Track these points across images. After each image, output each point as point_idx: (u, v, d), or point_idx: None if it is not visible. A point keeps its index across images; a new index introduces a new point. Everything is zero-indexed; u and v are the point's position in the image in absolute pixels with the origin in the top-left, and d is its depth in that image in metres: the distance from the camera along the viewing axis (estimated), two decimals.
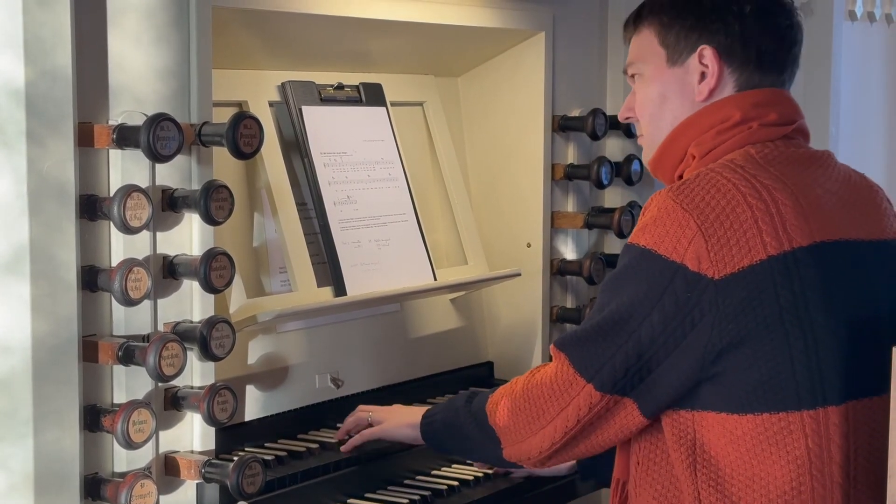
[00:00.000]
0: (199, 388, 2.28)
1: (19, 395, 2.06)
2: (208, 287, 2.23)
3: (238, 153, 2.24)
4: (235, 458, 2.26)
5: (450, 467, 2.86)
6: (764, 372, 2.21)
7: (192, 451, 2.31)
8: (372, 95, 3.06)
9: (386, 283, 2.92)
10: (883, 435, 2.09)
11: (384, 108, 3.08)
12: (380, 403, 2.80)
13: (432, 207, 3.26)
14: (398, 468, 2.78)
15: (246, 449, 2.66)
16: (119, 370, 2.19)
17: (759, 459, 2.23)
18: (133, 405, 2.14)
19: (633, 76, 2.49)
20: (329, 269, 2.85)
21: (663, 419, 2.30)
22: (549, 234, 3.31)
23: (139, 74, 2.20)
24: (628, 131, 3.36)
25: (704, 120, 2.38)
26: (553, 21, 3.27)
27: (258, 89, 2.82)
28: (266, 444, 2.71)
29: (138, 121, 2.13)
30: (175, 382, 2.25)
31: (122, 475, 2.17)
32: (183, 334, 2.23)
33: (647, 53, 2.44)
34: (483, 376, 3.31)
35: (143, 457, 2.22)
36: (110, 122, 2.17)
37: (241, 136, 2.23)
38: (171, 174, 2.24)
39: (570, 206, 3.36)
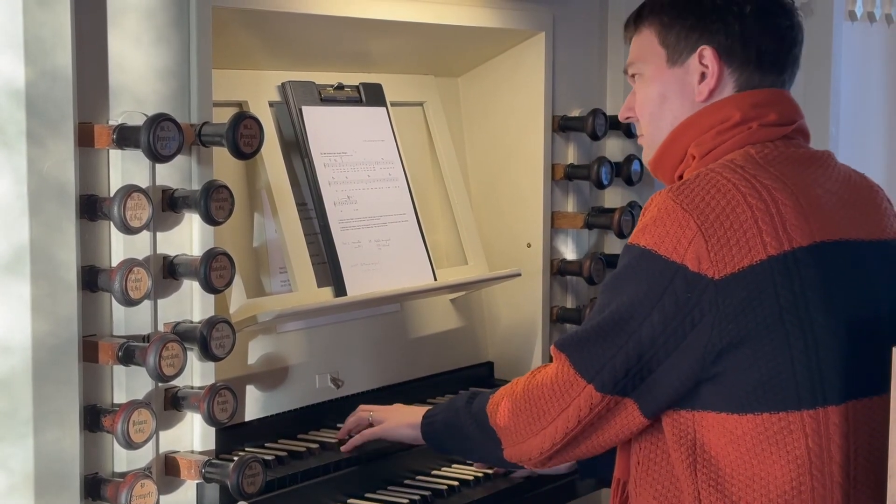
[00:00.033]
0: (200, 388, 2.28)
1: (19, 395, 2.06)
2: (208, 287, 2.23)
3: (238, 153, 2.24)
4: (235, 459, 2.26)
5: (450, 467, 2.86)
6: (764, 372, 2.21)
7: (192, 452, 2.31)
8: (372, 95, 3.06)
9: (386, 283, 2.92)
10: (883, 435, 2.09)
11: (384, 109, 3.08)
12: (380, 403, 2.80)
13: (432, 207, 3.26)
14: (398, 468, 2.78)
15: (246, 449, 2.66)
16: (119, 370, 2.19)
17: (759, 459, 2.23)
18: (133, 405, 2.14)
19: (633, 76, 2.49)
20: (329, 269, 2.85)
21: (664, 419, 2.30)
22: (549, 234, 3.31)
23: (139, 74, 2.20)
24: (628, 131, 3.36)
25: (704, 120, 2.38)
26: (553, 21, 3.27)
27: (258, 89, 2.82)
28: (266, 444, 2.71)
29: (138, 121, 2.13)
30: (175, 382, 2.25)
31: (123, 475, 2.17)
32: (183, 334, 2.23)
33: (648, 53, 2.44)
34: (483, 376, 3.31)
35: (144, 457, 2.22)
36: (110, 123, 2.17)
37: (242, 136, 2.23)
38: (171, 174, 2.24)
39: (570, 206, 3.36)
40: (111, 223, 2.15)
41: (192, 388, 2.29)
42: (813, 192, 2.31)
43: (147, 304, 2.20)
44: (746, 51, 2.38)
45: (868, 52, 4.77)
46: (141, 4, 2.19)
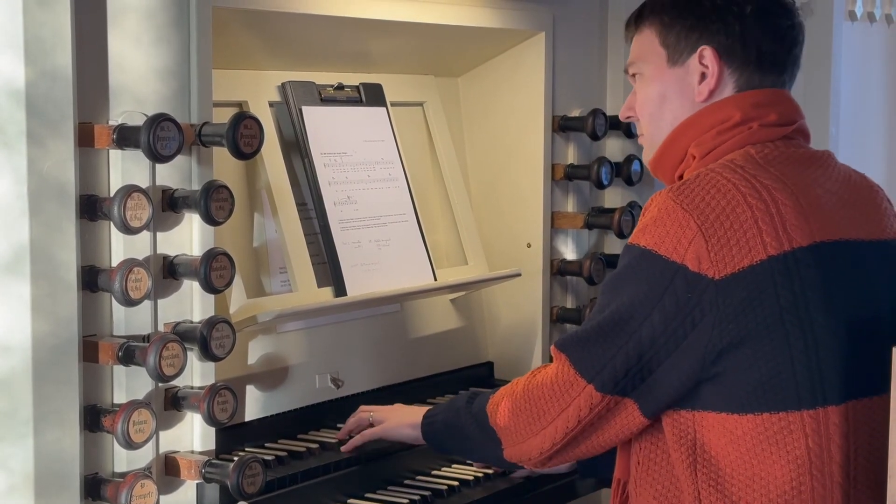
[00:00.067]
0: (200, 388, 2.28)
1: (19, 395, 2.06)
2: (208, 287, 2.23)
3: (238, 153, 2.24)
4: (236, 459, 2.26)
5: (450, 467, 2.85)
6: (764, 372, 2.21)
7: (192, 452, 2.31)
8: (372, 95, 3.06)
9: (386, 283, 2.92)
10: (883, 435, 2.09)
11: (384, 109, 3.08)
12: (380, 404, 2.80)
13: (432, 207, 3.26)
14: (398, 468, 2.78)
15: (246, 449, 2.66)
16: (119, 370, 2.19)
17: (759, 459, 2.23)
18: (133, 405, 2.14)
19: (633, 75, 2.49)
20: (329, 269, 2.85)
21: (664, 419, 2.30)
22: (549, 234, 3.31)
23: (139, 75, 2.20)
24: (628, 131, 3.36)
25: (705, 120, 2.38)
26: (553, 21, 3.27)
27: (258, 89, 2.82)
28: (266, 445, 2.71)
29: (138, 121, 2.13)
30: (175, 382, 2.25)
31: (123, 475, 2.17)
32: (183, 334, 2.23)
33: (648, 53, 2.44)
34: (483, 376, 3.31)
35: (144, 457, 2.22)
36: (110, 123, 2.17)
37: (242, 136, 2.23)
38: (171, 174, 2.24)
39: (570, 206, 3.36)
40: (111, 223, 2.15)
41: (192, 388, 2.29)
42: (813, 192, 2.31)
43: (147, 304, 2.20)
44: (746, 51, 2.38)
45: (868, 52, 4.77)
46: (141, 4, 2.19)
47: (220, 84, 2.45)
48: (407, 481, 2.77)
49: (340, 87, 3.00)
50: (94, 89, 2.15)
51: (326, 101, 2.95)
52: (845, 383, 2.25)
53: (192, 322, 2.27)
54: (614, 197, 3.41)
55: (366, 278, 2.88)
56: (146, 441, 2.15)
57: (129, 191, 2.11)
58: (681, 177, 2.40)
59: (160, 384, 2.24)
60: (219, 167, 2.34)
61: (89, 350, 2.14)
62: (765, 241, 2.20)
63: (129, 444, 2.13)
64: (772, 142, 2.36)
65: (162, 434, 2.26)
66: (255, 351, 2.71)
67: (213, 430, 2.32)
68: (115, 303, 2.17)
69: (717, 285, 2.18)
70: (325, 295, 2.82)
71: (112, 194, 2.13)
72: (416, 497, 2.67)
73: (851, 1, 4.57)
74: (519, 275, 3.19)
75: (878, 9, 4.74)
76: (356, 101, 3.02)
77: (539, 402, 2.34)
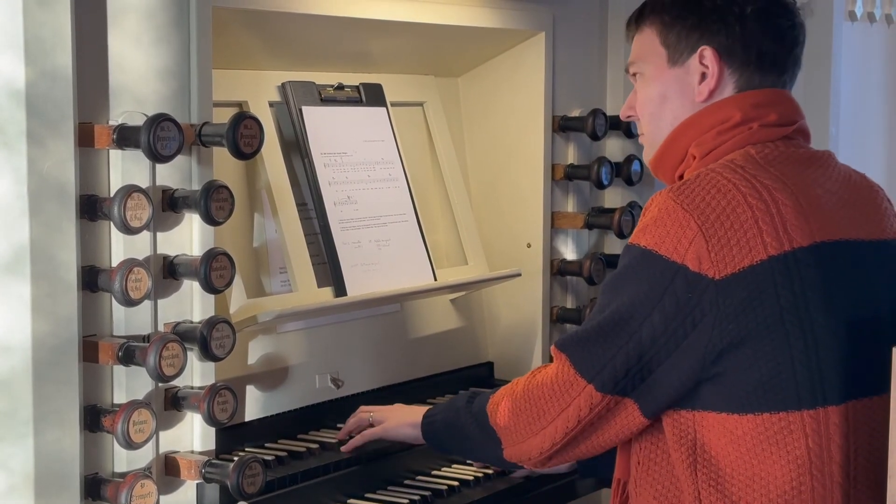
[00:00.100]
0: (200, 388, 2.28)
1: (19, 395, 2.06)
2: (208, 287, 2.23)
3: (238, 153, 2.24)
4: (236, 459, 2.26)
5: (450, 467, 2.86)
6: (764, 372, 2.21)
7: (192, 452, 2.31)
8: (372, 96, 3.06)
9: (386, 283, 2.92)
10: (883, 435, 2.09)
11: (384, 109, 3.08)
12: (380, 404, 2.80)
13: (432, 207, 3.26)
14: (398, 468, 2.78)
15: (246, 449, 2.66)
16: (119, 370, 2.19)
17: (759, 459, 2.23)
18: (133, 405, 2.14)
19: (634, 75, 2.49)
20: (329, 269, 2.85)
21: (664, 419, 2.30)
22: (549, 234, 3.31)
23: (139, 75, 2.20)
24: (628, 131, 3.36)
25: (705, 120, 2.38)
26: (553, 21, 3.27)
27: (258, 89, 2.82)
28: (266, 445, 2.71)
29: (139, 121, 2.13)
30: (175, 382, 2.25)
31: (123, 475, 2.17)
32: (183, 334, 2.23)
33: (649, 53, 2.44)
34: (483, 377, 3.31)
35: (144, 457, 2.22)
36: (110, 123, 2.17)
37: (242, 136, 2.23)
38: (171, 174, 2.24)
39: (570, 206, 3.36)
40: (111, 223, 2.15)
41: (192, 388, 2.29)
42: (813, 192, 2.31)
43: (147, 304, 2.20)
44: (747, 51, 2.38)
45: (868, 52, 4.77)
46: (141, 4, 2.19)
47: (220, 84, 2.45)
48: (407, 481, 2.77)
49: (340, 87, 3.00)
50: (94, 89, 2.15)
51: (326, 101, 2.95)
52: (845, 383, 2.25)
53: (192, 322, 2.27)
54: (614, 197, 3.41)
55: (366, 278, 2.88)
56: (146, 441, 2.15)
57: (129, 191, 2.11)
58: (681, 177, 2.40)
59: (160, 384, 2.24)
60: (219, 167, 2.34)
61: (89, 350, 2.14)
62: (765, 241, 2.20)
63: (129, 444, 2.13)
64: (772, 142, 2.36)
65: (162, 434, 2.26)
66: (255, 351, 2.71)
67: (213, 430, 2.32)
68: (115, 303, 2.17)
69: (717, 285, 2.18)
70: (325, 295, 2.82)
71: (112, 194, 2.13)
72: (416, 497, 2.67)
73: (851, 1, 4.57)
74: (519, 275, 3.19)
75: (878, 9, 4.74)
76: (356, 101, 3.02)
77: (539, 402, 2.34)
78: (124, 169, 2.17)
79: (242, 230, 2.78)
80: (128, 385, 2.20)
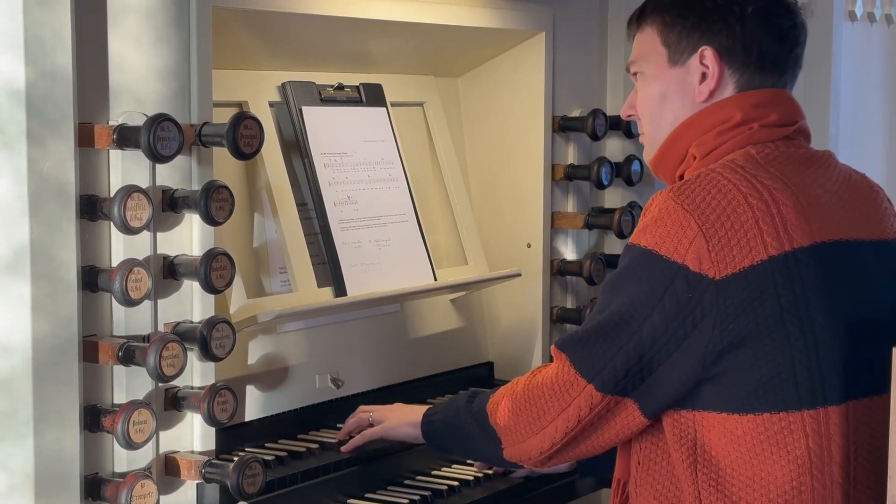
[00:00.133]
0: (200, 388, 2.28)
1: (19, 395, 2.06)
2: (208, 287, 2.23)
3: (238, 153, 2.24)
4: (236, 459, 2.26)
5: (450, 467, 2.86)
6: (765, 372, 2.21)
7: (192, 452, 2.31)
8: (372, 96, 3.06)
9: (386, 283, 2.92)
10: (883, 435, 2.09)
11: (384, 109, 3.08)
12: (380, 404, 2.80)
13: (432, 207, 3.26)
14: (398, 468, 2.78)
15: (246, 449, 2.66)
16: (119, 370, 2.19)
17: (759, 459, 2.23)
18: (133, 405, 2.14)
19: (635, 74, 2.49)
20: (329, 269, 2.85)
21: (664, 419, 2.30)
22: (549, 234, 3.31)
23: (139, 75, 2.20)
24: (628, 131, 3.36)
25: (705, 120, 2.38)
26: (553, 21, 3.27)
27: (258, 89, 2.82)
28: (266, 445, 2.71)
29: (139, 121, 2.13)
30: (175, 383, 2.25)
31: (123, 475, 2.17)
32: (183, 334, 2.23)
33: (649, 52, 2.44)
34: (483, 377, 3.31)
35: (144, 457, 2.22)
36: (111, 123, 2.17)
37: (242, 136, 2.23)
38: (171, 174, 2.24)
39: (570, 206, 3.36)
40: (111, 223, 2.15)
41: (192, 388, 2.29)
42: (813, 192, 2.31)
43: (147, 304, 2.20)
44: (747, 52, 2.38)
45: (868, 53, 4.77)
46: (141, 4, 2.19)
47: (220, 84, 2.45)
48: (407, 481, 2.77)
49: (340, 87, 3.00)
50: (94, 89, 2.15)
51: (326, 101, 2.95)
52: (845, 383, 2.25)
53: (192, 322, 2.27)
54: (614, 197, 3.41)
55: (366, 278, 2.88)
56: (146, 441, 2.15)
57: (129, 191, 2.11)
58: (681, 176, 2.40)
59: (160, 384, 2.24)
60: (219, 167, 2.34)
61: (89, 350, 2.14)
62: (765, 241, 2.20)
63: (129, 444, 2.13)
64: (772, 142, 2.36)
65: (162, 434, 2.26)
66: (255, 351, 2.71)
67: (213, 430, 2.32)
68: (115, 303, 2.17)
69: (717, 285, 2.18)
70: (325, 295, 2.82)
71: (112, 194, 2.13)
72: (416, 497, 2.67)
73: (851, 1, 4.57)
74: (519, 275, 3.19)
75: (878, 9, 4.74)
76: (356, 101, 3.02)
77: (539, 402, 2.34)
78: (124, 169, 2.17)
79: (242, 230, 2.78)
80: (128, 385, 2.20)
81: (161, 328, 2.25)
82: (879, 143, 4.95)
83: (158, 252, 2.24)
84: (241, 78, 2.79)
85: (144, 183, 2.19)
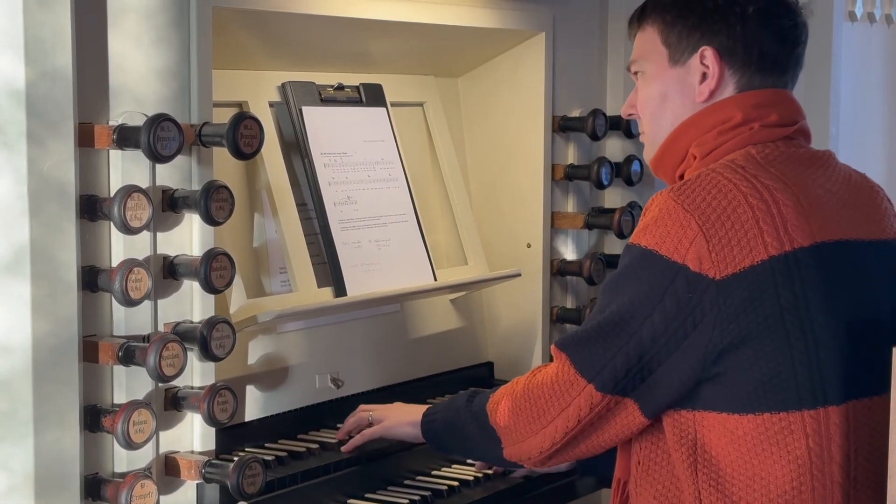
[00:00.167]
0: (200, 388, 2.28)
1: (19, 395, 2.06)
2: (208, 287, 2.23)
3: (238, 154, 2.24)
4: (236, 459, 2.26)
5: (450, 467, 2.86)
6: (765, 372, 2.21)
7: (192, 452, 2.31)
8: (372, 96, 3.06)
9: (386, 283, 2.92)
10: (883, 435, 2.09)
11: (384, 109, 3.08)
12: (380, 403, 2.80)
13: (432, 207, 3.26)
14: (398, 468, 2.78)
15: (246, 449, 2.66)
16: (119, 370, 2.19)
17: (759, 459, 2.23)
18: (133, 405, 2.14)
19: (636, 73, 2.49)
20: (329, 269, 2.85)
21: (664, 419, 2.30)
22: (549, 234, 3.31)
23: (139, 75, 2.20)
24: (628, 132, 3.36)
25: (706, 120, 2.38)
26: (553, 21, 3.27)
27: (258, 90, 2.82)
28: (266, 445, 2.71)
29: (139, 121, 2.13)
30: (175, 383, 2.25)
31: (123, 475, 2.17)
32: (183, 334, 2.23)
33: (650, 52, 2.44)
34: (483, 377, 3.31)
35: (144, 457, 2.22)
36: (111, 123, 2.17)
37: (242, 136, 2.23)
38: (171, 174, 2.24)
39: (570, 206, 3.36)
40: (111, 223, 2.15)
41: (192, 388, 2.29)
42: (814, 192, 2.31)
43: (147, 304, 2.20)
44: (748, 52, 2.38)
45: (868, 53, 4.77)
46: (141, 4, 2.19)
47: (220, 84, 2.45)
48: (407, 481, 2.77)
49: (340, 87, 3.00)
50: (94, 89, 2.15)
51: (326, 101, 2.95)
52: (845, 383, 2.25)
53: (192, 322, 2.27)
54: (614, 197, 3.41)
55: (366, 278, 2.88)
56: (146, 441, 2.15)
57: (129, 191, 2.11)
58: (681, 176, 2.40)
59: (160, 384, 2.24)
60: (219, 167, 2.35)
61: (89, 350, 2.14)
62: (766, 241, 2.20)
63: (129, 445, 2.13)
64: (773, 142, 2.36)
65: (162, 434, 2.26)
66: (255, 351, 2.71)
67: (213, 430, 2.32)
68: (115, 303, 2.17)
69: (718, 285, 2.18)
70: (325, 295, 2.82)
71: (112, 194, 2.13)
72: (416, 497, 2.67)
73: (851, 1, 4.57)
74: (519, 275, 3.18)
75: (878, 9, 4.74)
76: (356, 102, 3.02)
77: (539, 402, 2.34)
78: (124, 169, 2.17)
79: (242, 230, 2.78)
80: (128, 385, 2.20)
81: (161, 328, 2.25)
82: (879, 143, 4.95)
83: (158, 252, 2.24)
84: (241, 78, 2.79)
85: (144, 183, 2.19)
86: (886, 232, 2.41)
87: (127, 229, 2.11)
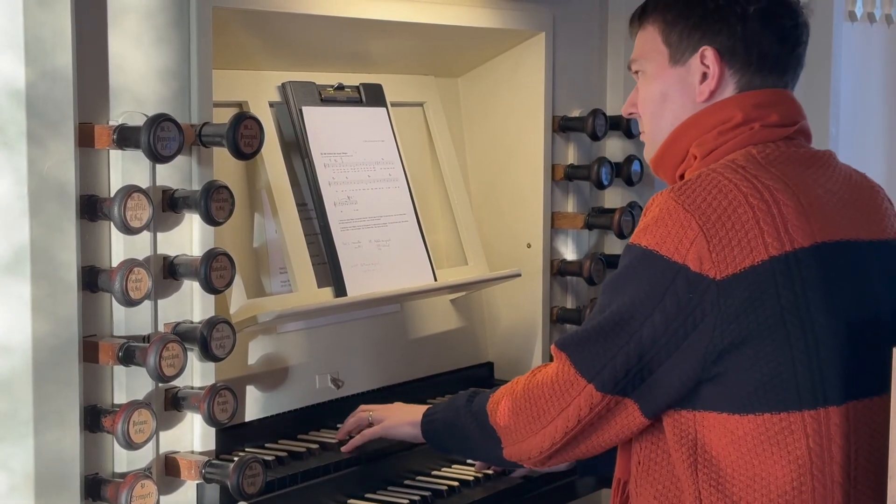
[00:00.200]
0: (200, 388, 2.28)
1: (20, 395, 2.06)
2: (209, 287, 2.23)
3: (238, 154, 2.24)
4: (236, 459, 2.26)
5: (450, 467, 2.86)
6: (765, 372, 2.21)
7: (192, 452, 2.31)
8: (372, 96, 3.06)
9: (386, 283, 2.92)
10: (883, 435, 2.09)
11: (384, 109, 3.08)
12: (380, 404, 2.80)
13: (432, 208, 3.26)
14: (398, 468, 2.78)
15: (246, 449, 2.66)
16: (119, 370, 2.19)
17: (760, 459, 2.23)
18: (133, 405, 2.14)
19: (636, 72, 2.49)
20: (329, 269, 2.85)
21: (664, 419, 2.30)
22: (549, 234, 3.30)
23: (139, 75, 2.20)
24: (628, 132, 3.36)
25: (706, 120, 2.38)
26: (553, 21, 3.27)
27: (258, 90, 2.82)
28: (266, 445, 2.71)
29: (139, 121, 2.13)
30: (175, 383, 2.25)
31: (123, 475, 2.17)
32: (183, 335, 2.23)
33: (651, 51, 2.44)
34: (483, 377, 3.31)
35: (144, 457, 2.22)
36: (111, 123, 2.17)
37: (242, 136, 2.23)
38: (171, 174, 2.24)
39: (570, 206, 3.36)
40: (111, 223, 2.15)
41: (192, 388, 2.29)
42: (814, 192, 2.31)
43: (147, 304, 2.20)
44: (748, 52, 2.38)
45: (868, 53, 4.77)
46: (141, 5, 2.19)
47: (220, 84, 2.45)
48: (407, 481, 2.77)
49: (340, 87, 3.00)
50: (95, 89, 2.15)
51: (326, 101, 2.95)
52: (846, 384, 2.25)
53: (192, 322, 2.27)
54: (614, 197, 3.41)
55: (366, 278, 2.88)
56: (146, 441, 2.15)
57: (129, 191, 2.11)
58: (682, 176, 2.40)
59: (160, 384, 2.24)
60: (219, 167, 2.34)
61: (89, 350, 2.14)
62: (766, 241, 2.20)
63: (130, 445, 2.13)
64: (773, 142, 2.36)
65: (162, 434, 2.26)
66: (256, 351, 2.71)
67: (213, 430, 2.32)
68: (115, 303, 2.17)
69: (718, 286, 2.18)
70: (325, 295, 2.82)
71: (112, 194, 2.13)
72: (416, 497, 2.67)
73: (851, 1, 4.57)
74: (519, 275, 3.18)
75: (878, 9, 4.74)
76: (356, 102, 3.02)
77: (539, 402, 2.34)
78: (124, 169, 2.17)
79: (242, 230, 2.78)
80: (128, 385, 2.20)
81: (161, 328, 2.25)
82: (879, 143, 4.95)
83: (158, 252, 2.24)
84: (241, 78, 2.79)
85: (144, 183, 2.19)
86: (887, 232, 2.41)
87: (127, 229, 2.11)
